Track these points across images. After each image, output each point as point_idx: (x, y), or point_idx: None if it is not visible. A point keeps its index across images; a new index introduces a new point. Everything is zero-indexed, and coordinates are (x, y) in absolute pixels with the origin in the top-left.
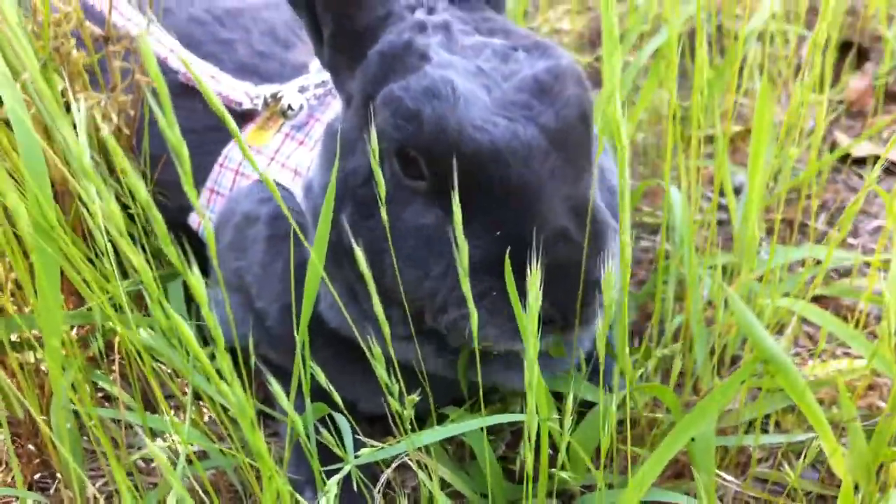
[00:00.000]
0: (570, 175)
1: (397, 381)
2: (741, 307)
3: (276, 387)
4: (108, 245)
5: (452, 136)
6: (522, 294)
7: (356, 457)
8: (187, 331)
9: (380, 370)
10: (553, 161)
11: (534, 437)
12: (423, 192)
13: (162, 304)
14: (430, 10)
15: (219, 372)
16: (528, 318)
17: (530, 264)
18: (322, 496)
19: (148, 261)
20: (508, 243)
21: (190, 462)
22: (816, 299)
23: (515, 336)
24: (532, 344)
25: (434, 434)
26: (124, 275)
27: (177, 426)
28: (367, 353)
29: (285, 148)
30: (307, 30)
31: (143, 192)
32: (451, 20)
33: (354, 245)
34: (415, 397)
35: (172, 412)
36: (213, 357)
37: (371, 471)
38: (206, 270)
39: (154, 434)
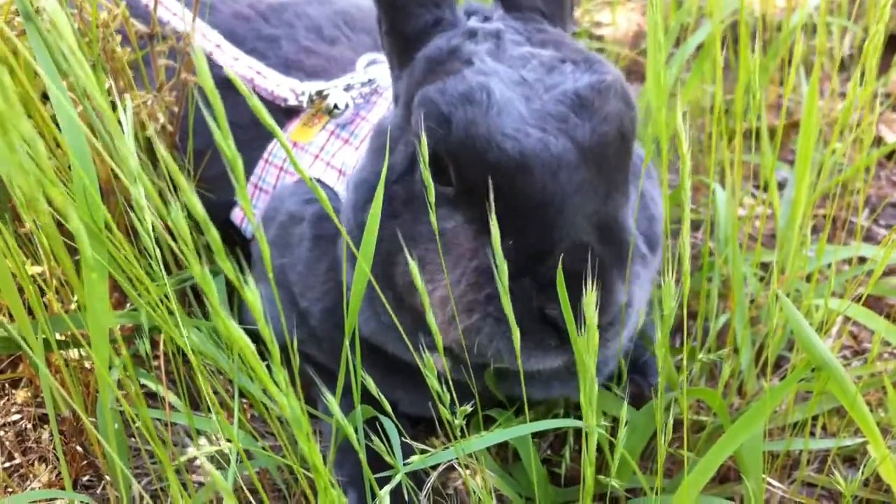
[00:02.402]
0: (600, 191)
1: (448, 390)
2: (795, 314)
3: (328, 395)
4: (156, 248)
5: (481, 142)
6: (533, 302)
7: (405, 463)
8: (249, 345)
9: (431, 380)
10: (582, 175)
11: (593, 449)
12: (450, 198)
13: (224, 320)
14: (486, 19)
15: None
16: (588, 331)
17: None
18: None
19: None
20: (525, 253)
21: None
22: (859, 297)
23: (525, 351)
24: (591, 354)
25: (483, 440)
26: (166, 269)
27: (226, 427)
28: (419, 363)
29: (330, 146)
30: (377, 20)
31: (199, 209)
32: (504, 29)
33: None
34: (467, 408)
35: (216, 408)
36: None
37: (415, 473)
38: (247, 262)
39: (198, 432)
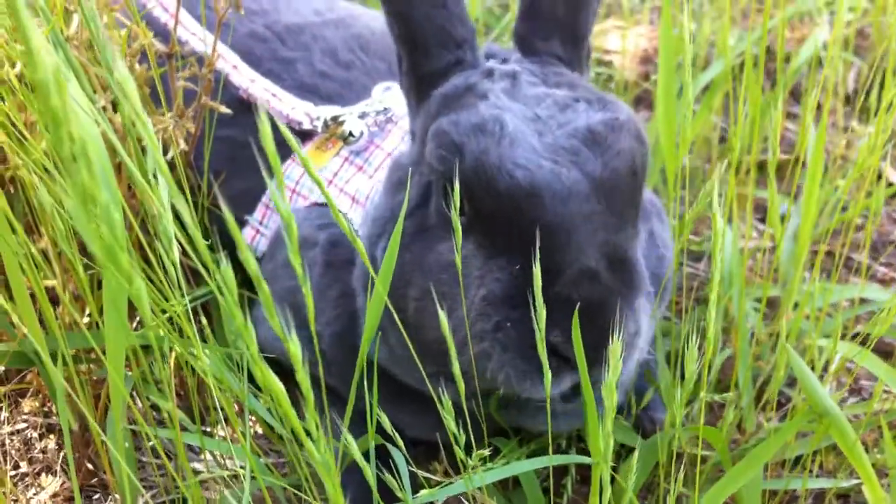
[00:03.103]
0: (610, 224)
1: (463, 423)
2: (799, 362)
3: (345, 431)
4: (179, 279)
5: (492, 170)
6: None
7: (415, 497)
8: (283, 392)
9: (449, 421)
10: (593, 206)
11: (607, 485)
12: (462, 227)
13: (263, 369)
14: (504, 61)
15: (306, 431)
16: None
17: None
18: None
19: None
20: (531, 279)
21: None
22: (856, 336)
23: (530, 379)
24: (611, 391)
25: (491, 474)
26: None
27: (239, 448)
28: (437, 401)
29: (344, 172)
30: (396, 56)
31: (254, 266)
32: (521, 70)
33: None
34: (484, 452)
35: (222, 424)
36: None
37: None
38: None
39: (203, 447)
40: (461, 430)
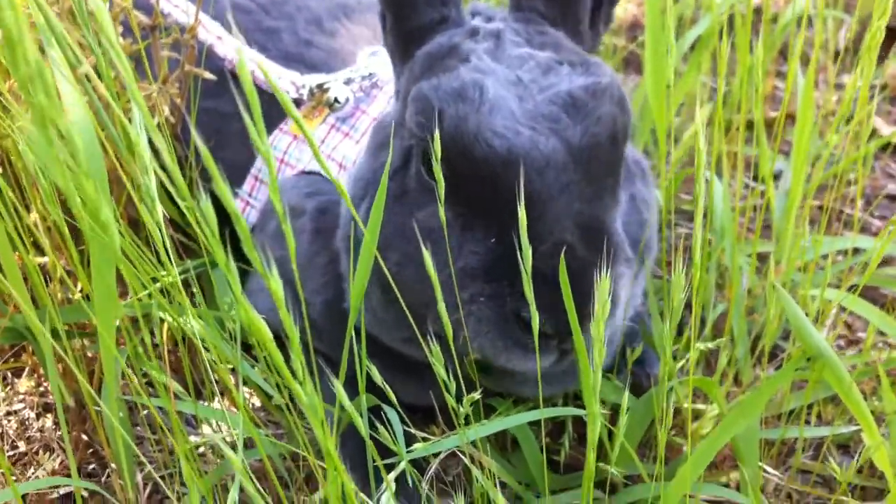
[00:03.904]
0: (587, 193)
1: (455, 377)
2: (792, 304)
3: (334, 380)
4: (165, 242)
5: (469, 138)
6: (516, 303)
7: (409, 450)
8: (267, 331)
9: (438, 367)
10: (570, 176)
11: (595, 436)
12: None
13: (245, 307)
14: (489, 19)
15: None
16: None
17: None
18: (382, 494)
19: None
20: (507, 252)
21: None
22: (852, 287)
23: (506, 351)
24: (599, 345)
25: (485, 428)
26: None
27: (237, 416)
28: (426, 351)
29: (331, 139)
30: (380, 15)
31: (230, 200)
32: (505, 29)
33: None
34: (474, 395)
35: (218, 398)
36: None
37: (416, 460)
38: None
39: (199, 421)
40: (451, 378)
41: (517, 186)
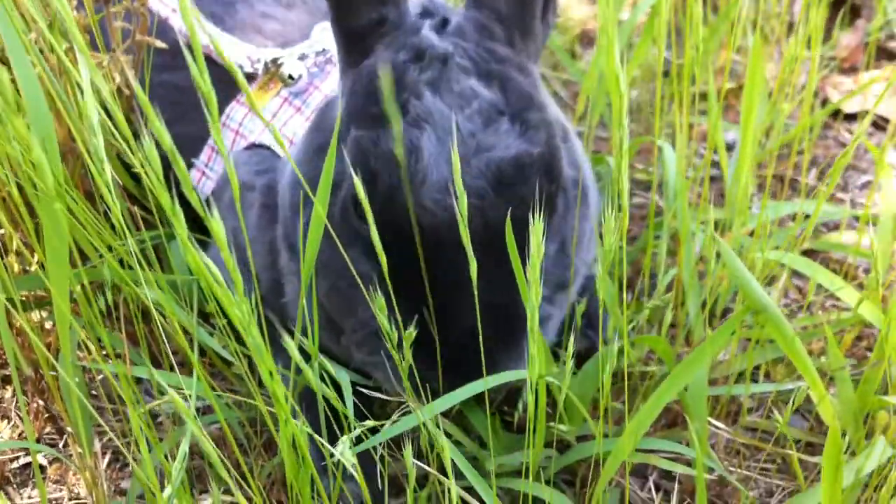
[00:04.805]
0: (503, 278)
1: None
2: (733, 258)
3: (288, 340)
4: (116, 203)
5: (399, 209)
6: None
7: (362, 424)
8: (215, 271)
9: (399, 356)
10: (489, 262)
11: (534, 389)
12: (364, 242)
13: (192, 250)
14: (444, 22)
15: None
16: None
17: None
18: (340, 448)
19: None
20: (420, 319)
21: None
22: (806, 254)
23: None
24: (535, 293)
25: (443, 402)
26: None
27: (197, 382)
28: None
29: (282, 113)
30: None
31: (168, 140)
32: (453, 52)
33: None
34: (412, 332)
35: (176, 370)
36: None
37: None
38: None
39: (160, 393)
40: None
41: (435, 266)
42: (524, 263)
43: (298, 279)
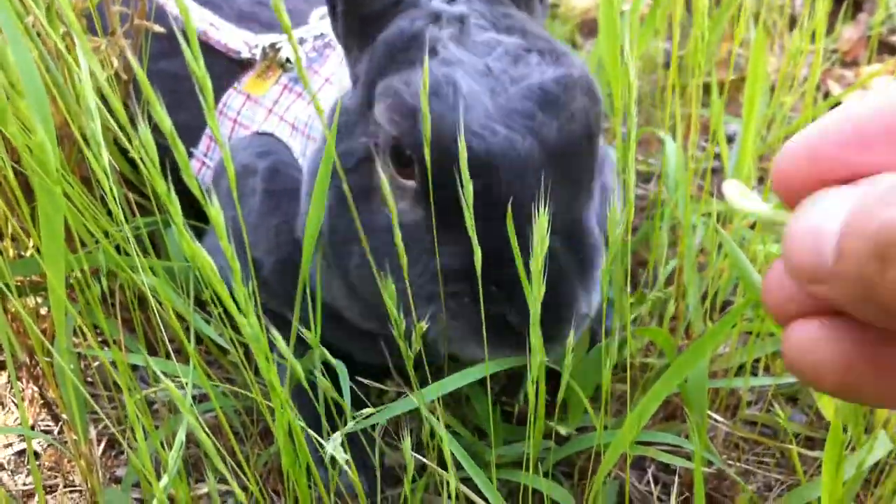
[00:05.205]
0: (563, 194)
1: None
2: (736, 250)
3: (275, 332)
4: (112, 188)
5: (448, 139)
6: (489, 305)
7: (359, 414)
8: (210, 262)
9: (404, 348)
10: (547, 177)
11: (535, 375)
12: (413, 192)
13: (187, 239)
14: (451, 1)
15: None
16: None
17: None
18: (331, 443)
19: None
20: (489, 257)
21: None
22: None
23: (472, 345)
24: (536, 282)
25: (440, 387)
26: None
27: (192, 370)
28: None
29: (284, 100)
30: (326, 1)
31: (168, 124)
32: (469, 13)
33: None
34: (423, 325)
35: (174, 356)
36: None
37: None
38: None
39: (155, 380)
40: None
41: (496, 190)
42: (588, 175)
43: (326, 264)
